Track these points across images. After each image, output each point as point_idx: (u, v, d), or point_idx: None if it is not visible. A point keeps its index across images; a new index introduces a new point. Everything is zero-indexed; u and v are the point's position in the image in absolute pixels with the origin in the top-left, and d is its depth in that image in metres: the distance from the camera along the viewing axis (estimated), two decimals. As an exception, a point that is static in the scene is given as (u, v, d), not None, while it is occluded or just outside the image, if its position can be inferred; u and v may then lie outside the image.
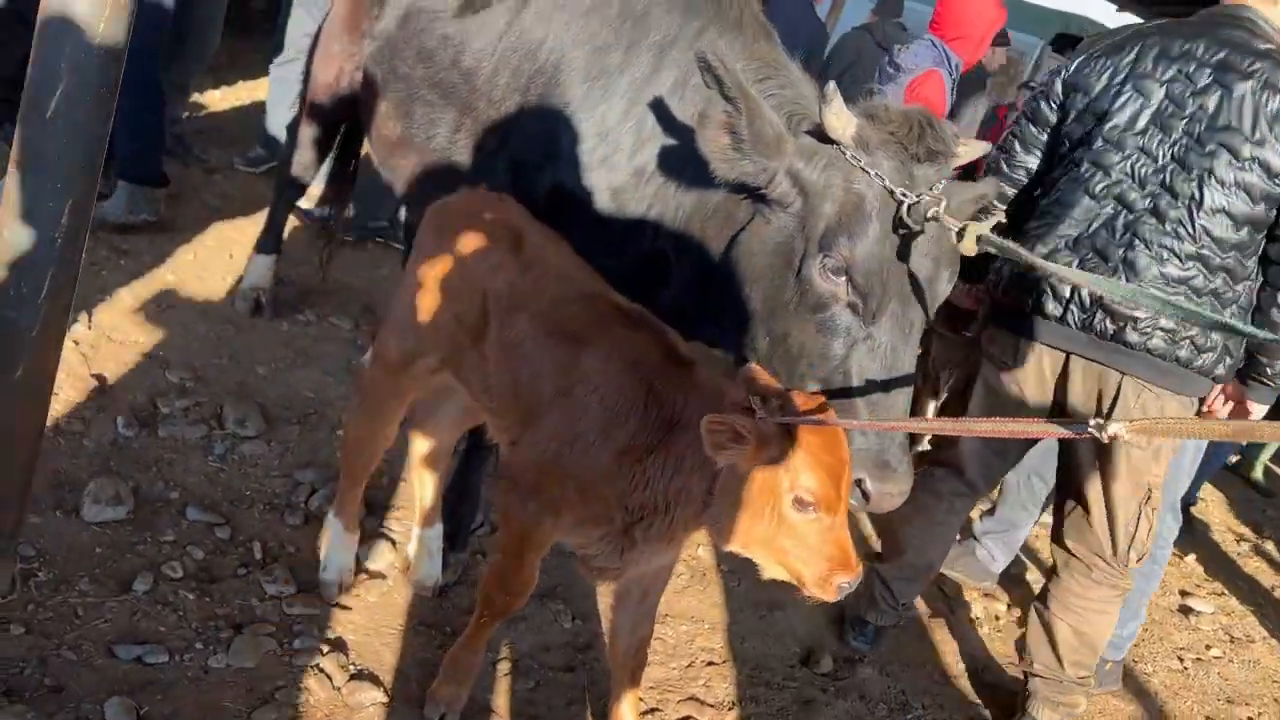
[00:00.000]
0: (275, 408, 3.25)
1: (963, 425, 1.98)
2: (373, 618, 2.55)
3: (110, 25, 1.78)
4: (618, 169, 2.42)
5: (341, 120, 3.51)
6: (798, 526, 1.70)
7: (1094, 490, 2.69)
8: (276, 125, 5.10)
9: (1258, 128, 2.36)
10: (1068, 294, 2.53)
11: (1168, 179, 2.45)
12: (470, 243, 2.20)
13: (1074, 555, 2.78)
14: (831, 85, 1.90)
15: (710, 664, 2.81)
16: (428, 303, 2.29)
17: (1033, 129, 2.74)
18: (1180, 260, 2.44)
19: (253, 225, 4.39)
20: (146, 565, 2.44)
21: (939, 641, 3.34)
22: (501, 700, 2.42)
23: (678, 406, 1.87)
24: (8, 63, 4.00)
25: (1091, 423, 1.33)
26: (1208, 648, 3.95)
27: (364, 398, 2.50)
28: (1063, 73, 2.67)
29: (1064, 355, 2.62)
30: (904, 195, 1.88)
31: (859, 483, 1.90)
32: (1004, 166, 2.79)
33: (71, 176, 1.86)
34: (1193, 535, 4.93)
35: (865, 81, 6.17)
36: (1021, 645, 3.00)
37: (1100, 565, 2.74)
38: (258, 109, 5.44)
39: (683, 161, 2.26)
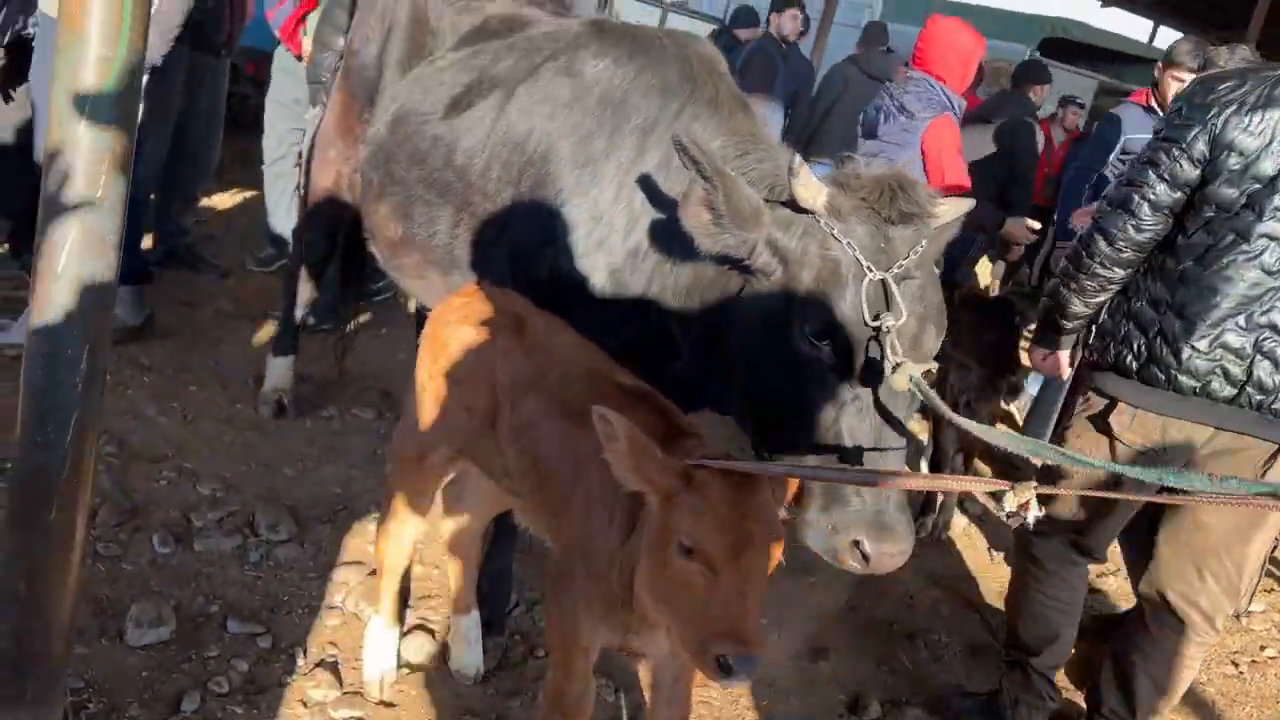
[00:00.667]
0: (305, 508, 3.31)
1: (898, 479, 1.96)
2: (418, 713, 2.58)
3: (110, 178, 1.86)
4: (614, 250, 2.48)
5: (343, 220, 3.61)
6: (682, 575, 1.59)
7: (1237, 546, 2.58)
8: (280, 222, 5.24)
9: None
10: (1243, 375, 2.38)
11: None
12: (472, 333, 2.28)
13: (1170, 608, 2.65)
14: (797, 159, 1.95)
15: (757, 722, 2.82)
16: (436, 396, 2.36)
17: (1166, 189, 2.43)
18: None
19: (270, 327, 4.49)
20: (193, 684, 2.48)
21: (985, 673, 3.32)
22: (552, 783, 2.44)
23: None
24: (18, 198, 4.15)
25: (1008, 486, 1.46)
26: (1262, 649, 3.90)
27: (389, 495, 2.56)
28: (1208, 128, 2.36)
29: (1212, 431, 2.48)
30: (870, 269, 1.91)
31: (857, 544, 1.91)
32: (1131, 231, 2.49)
33: (87, 324, 1.93)
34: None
35: (855, 111, 6.31)
36: (1080, 678, 2.95)
37: (1198, 622, 2.63)
38: (264, 207, 5.56)
39: (675, 238, 2.31)
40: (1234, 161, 2.34)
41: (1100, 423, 2.59)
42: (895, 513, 1.93)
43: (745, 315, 2.12)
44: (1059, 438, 2.80)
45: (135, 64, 1.88)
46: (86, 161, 1.84)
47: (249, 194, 6.61)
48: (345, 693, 2.57)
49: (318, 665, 2.64)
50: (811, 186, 1.96)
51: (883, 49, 7.35)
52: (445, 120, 2.81)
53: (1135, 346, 2.50)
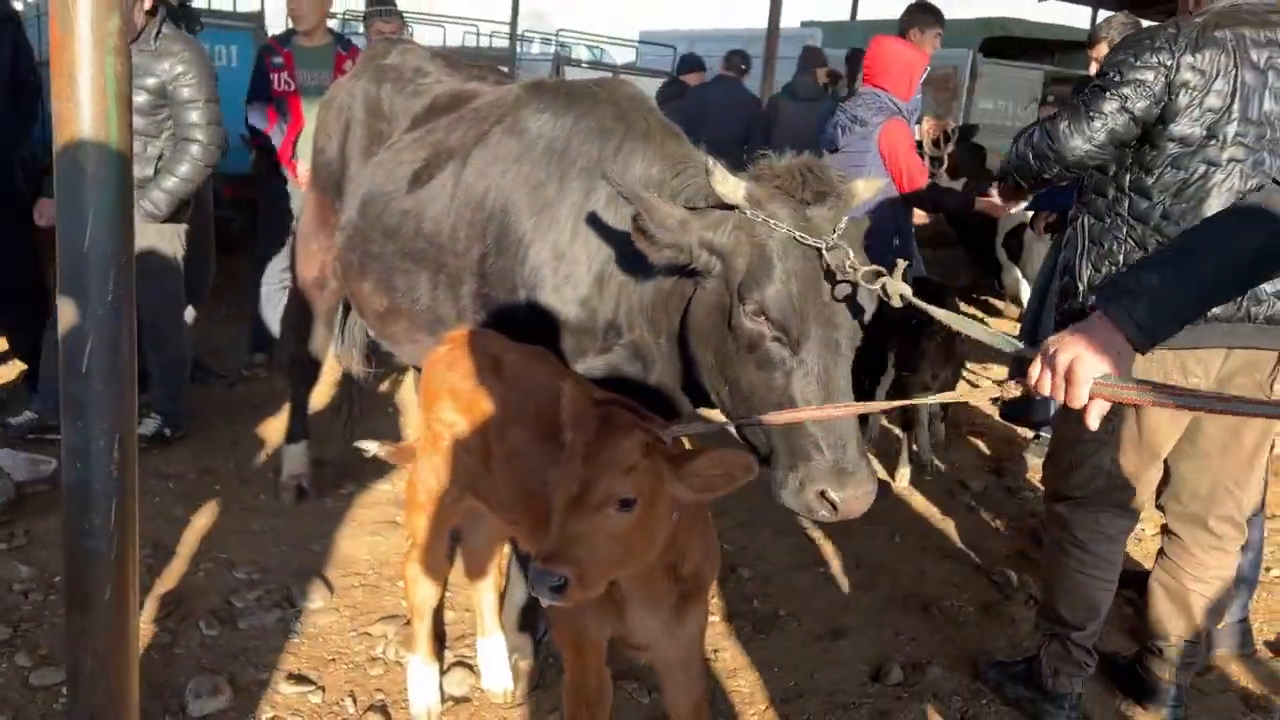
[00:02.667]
0: (338, 577, 3.51)
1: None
2: (467, 738, 2.75)
3: (120, 279, 2.10)
4: (580, 283, 2.71)
5: (334, 305, 3.86)
6: None
7: (1257, 457, 2.83)
8: (267, 330, 5.65)
9: None
10: None
11: None
12: (458, 379, 2.50)
13: (1209, 529, 2.87)
14: (710, 160, 2.21)
15: (786, 701, 2.98)
16: (437, 444, 2.57)
17: (1127, 121, 2.64)
18: None
19: (280, 422, 4.72)
20: (256, 743, 2.67)
21: (997, 629, 3.47)
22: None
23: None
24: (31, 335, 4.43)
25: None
26: (1268, 569, 4.04)
27: (411, 540, 2.76)
28: (1164, 70, 2.59)
29: (1225, 353, 2.66)
30: (802, 237, 2.13)
31: (823, 494, 2.10)
32: (1079, 142, 2.70)
33: (114, 417, 2.16)
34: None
35: (790, 135, 6.64)
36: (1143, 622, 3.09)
37: (1232, 533, 2.88)
38: (253, 319, 5.84)
39: (631, 261, 2.54)
40: (1187, 99, 2.59)
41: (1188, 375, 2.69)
42: (854, 459, 2.12)
43: (699, 312, 2.34)
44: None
45: (127, 173, 2.14)
46: (95, 267, 2.08)
47: (236, 310, 6.87)
48: (397, 731, 2.75)
49: (368, 709, 2.82)
50: (729, 182, 2.19)
51: (805, 76, 7.70)
52: (410, 194, 3.07)
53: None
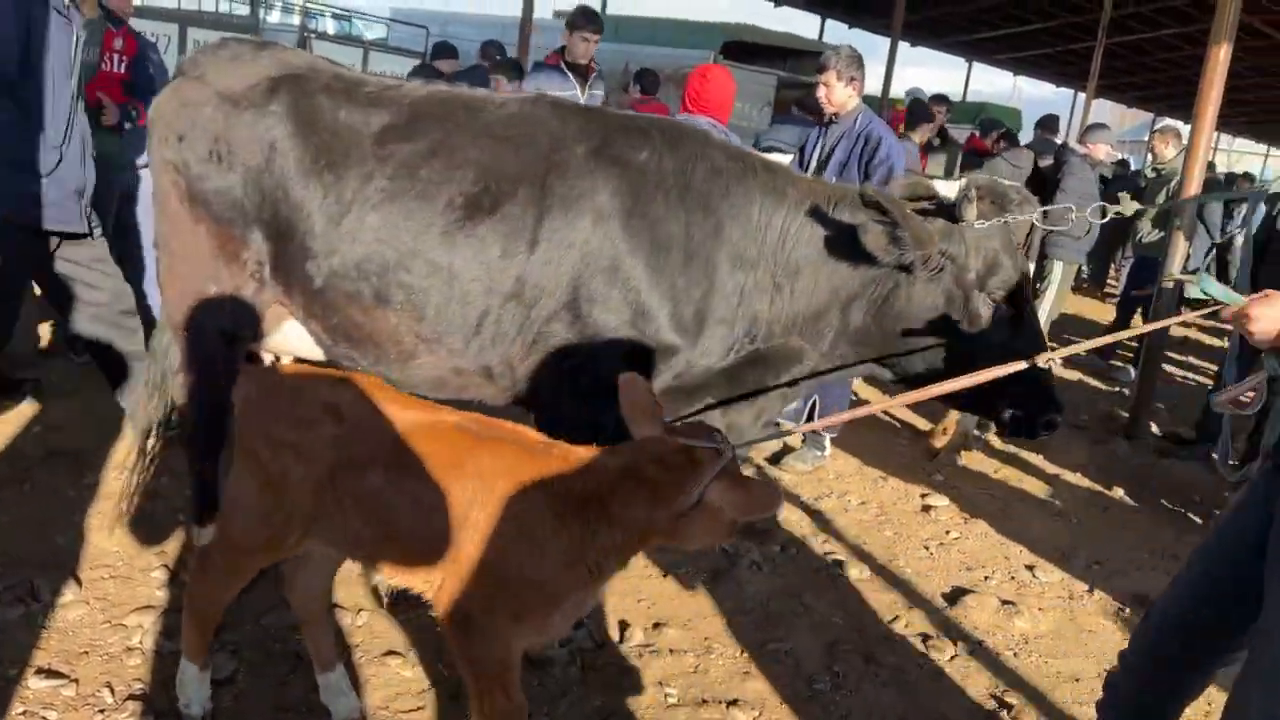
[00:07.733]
0: (86, 570, 3.43)
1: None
2: (232, 720, 2.83)
3: None
4: (720, 314, 3.05)
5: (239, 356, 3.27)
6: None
7: None
8: None
9: None
10: None
11: None
12: (285, 432, 2.39)
13: None
14: (973, 189, 2.85)
15: (537, 666, 3.24)
16: (270, 491, 2.40)
17: None
18: None
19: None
20: (5, 741, 2.63)
21: (724, 592, 3.91)
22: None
23: (581, 476, 2.17)
24: None
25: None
26: (947, 533, 4.76)
27: (210, 572, 2.61)
28: None
29: None
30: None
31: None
32: None
33: None
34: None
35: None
36: None
37: None
38: None
39: (792, 282, 3.09)
40: None
41: None
42: None
43: (910, 307, 2.97)
44: None
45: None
46: None
47: None
48: (159, 717, 2.78)
49: (127, 699, 2.83)
50: (974, 208, 2.85)
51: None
52: (468, 223, 2.92)
53: None
